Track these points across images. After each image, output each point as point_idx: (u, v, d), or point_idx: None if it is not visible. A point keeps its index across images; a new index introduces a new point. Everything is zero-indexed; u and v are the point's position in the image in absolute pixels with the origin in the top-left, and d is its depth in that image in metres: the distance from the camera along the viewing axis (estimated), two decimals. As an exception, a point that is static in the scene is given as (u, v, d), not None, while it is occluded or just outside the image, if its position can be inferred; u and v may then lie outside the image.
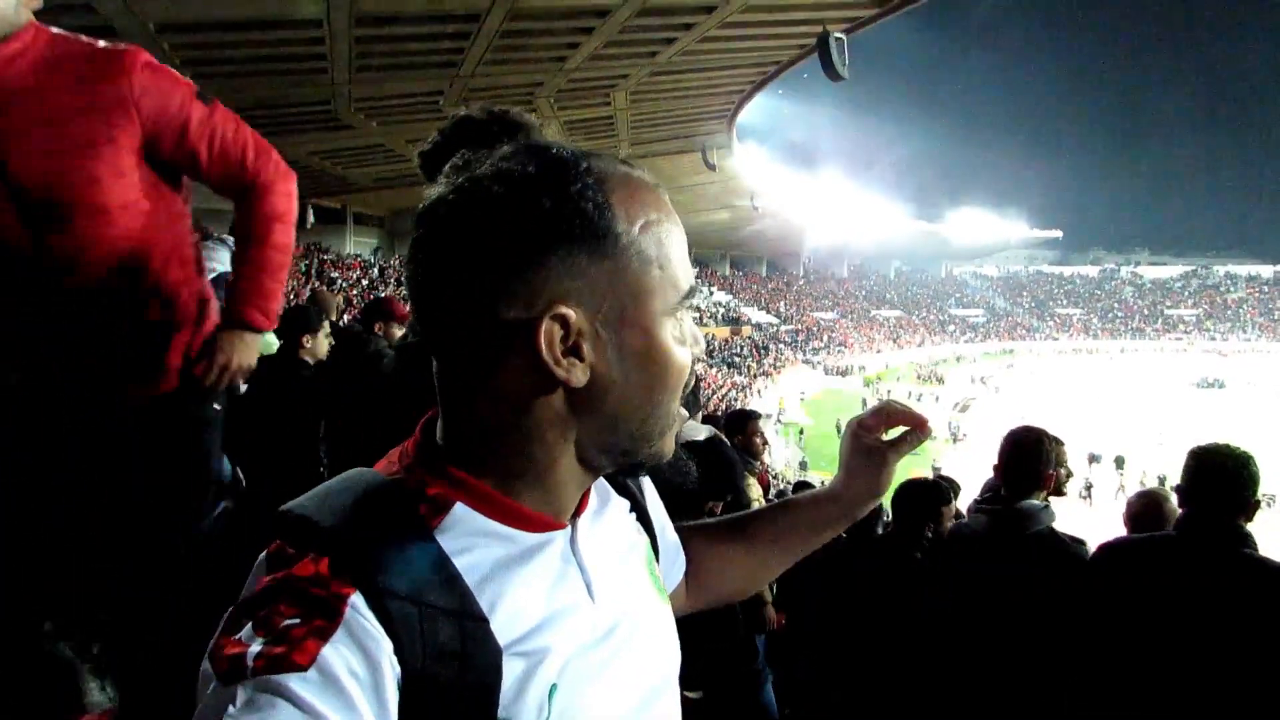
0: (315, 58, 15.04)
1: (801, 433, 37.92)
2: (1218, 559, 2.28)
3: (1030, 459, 2.73)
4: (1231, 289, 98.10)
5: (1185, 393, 56.16)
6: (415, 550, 0.65)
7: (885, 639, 3.12)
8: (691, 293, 0.73)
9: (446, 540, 0.68)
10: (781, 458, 31.90)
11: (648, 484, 1.00)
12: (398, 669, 0.61)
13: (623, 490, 0.92)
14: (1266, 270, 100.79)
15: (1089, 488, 29.06)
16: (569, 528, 0.77)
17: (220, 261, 3.65)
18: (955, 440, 38.66)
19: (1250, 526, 2.33)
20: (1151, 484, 26.03)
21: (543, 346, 0.66)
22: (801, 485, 8.24)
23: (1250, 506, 2.29)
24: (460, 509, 0.70)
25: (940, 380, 58.01)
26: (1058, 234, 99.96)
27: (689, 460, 2.51)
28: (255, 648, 0.58)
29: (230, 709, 0.56)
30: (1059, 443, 3.30)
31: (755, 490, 4.59)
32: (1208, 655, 2.22)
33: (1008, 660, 2.66)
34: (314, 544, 0.64)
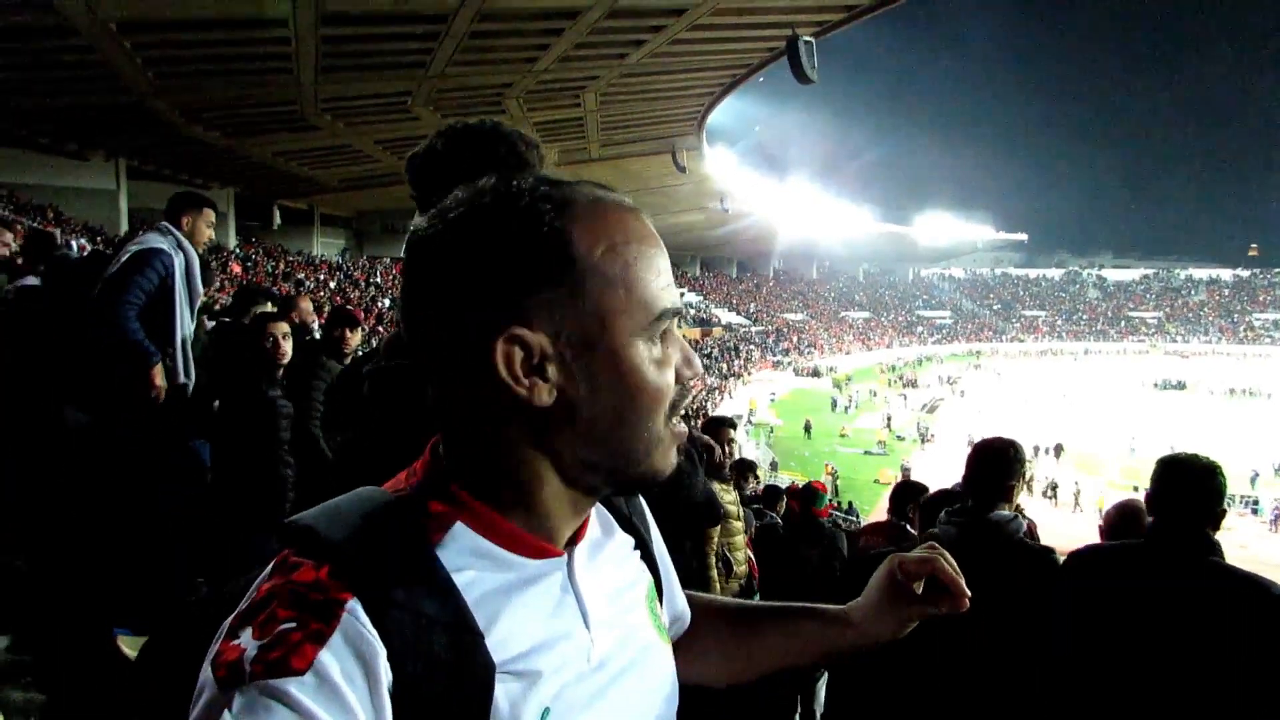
0: (280, 58, 14.87)
1: (771, 432, 38.02)
2: (1186, 567, 2.28)
3: (997, 471, 2.71)
4: (1193, 292, 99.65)
5: (1146, 394, 57.16)
6: (415, 563, 0.67)
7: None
8: (666, 314, 0.73)
9: (447, 557, 0.69)
10: (752, 459, 31.97)
11: (654, 531, 1.00)
12: (390, 675, 0.61)
13: (628, 527, 0.92)
14: (1226, 274, 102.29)
15: (1054, 487, 29.43)
16: (566, 555, 0.77)
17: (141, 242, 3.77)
18: (924, 441, 39.06)
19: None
20: (1121, 488, 26.57)
21: (500, 366, 0.67)
22: (742, 463, 8.18)
23: (1218, 516, 2.30)
24: (460, 528, 0.71)
25: (914, 384, 58.48)
26: (1023, 237, 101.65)
27: (696, 475, 2.46)
28: (252, 651, 0.58)
29: (226, 714, 0.57)
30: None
31: (729, 495, 4.56)
32: (1176, 662, 2.22)
33: (979, 669, 2.65)
34: (316, 553, 0.65)
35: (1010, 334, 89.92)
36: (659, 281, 0.73)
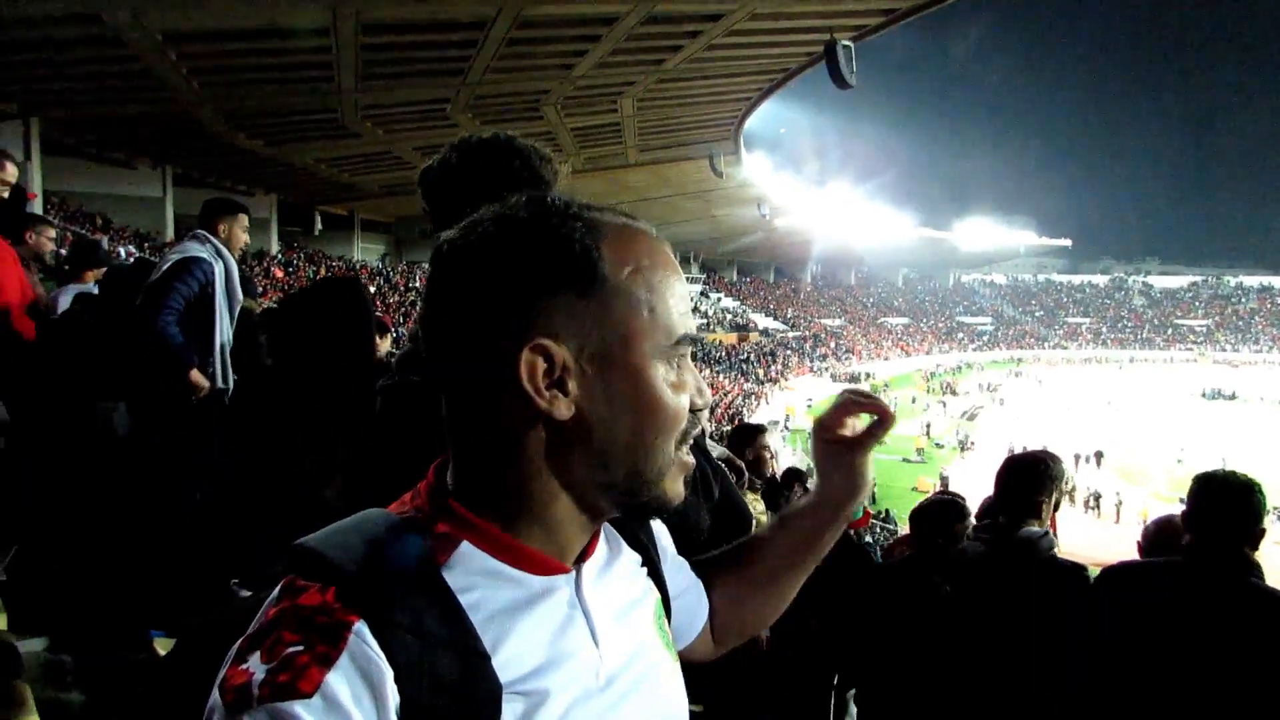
0: (321, 66, 15.11)
1: (809, 438, 37.60)
2: (1223, 587, 2.22)
3: (1027, 486, 2.66)
4: (1243, 300, 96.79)
5: (1194, 404, 55.74)
6: (421, 584, 0.67)
7: (914, 665, 3.03)
8: (686, 340, 0.74)
9: (453, 577, 0.69)
10: (788, 465, 31.72)
11: (664, 539, 1.01)
12: (397, 697, 0.62)
13: (635, 544, 0.92)
14: (1279, 282, 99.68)
15: (1097, 498, 28.83)
16: (574, 573, 0.77)
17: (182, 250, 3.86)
18: (963, 449, 38.54)
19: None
20: (1166, 500, 25.96)
21: (524, 375, 0.68)
22: (791, 472, 8.11)
23: (1256, 535, 2.24)
24: (466, 547, 0.72)
25: (953, 391, 57.70)
26: (1067, 242, 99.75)
27: (701, 508, 2.45)
28: (260, 675, 0.59)
29: None
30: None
31: (760, 505, 4.52)
32: (1207, 683, 2.16)
33: (1009, 688, 2.61)
34: (322, 575, 0.65)
35: (1053, 341, 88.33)
36: (680, 307, 0.74)
